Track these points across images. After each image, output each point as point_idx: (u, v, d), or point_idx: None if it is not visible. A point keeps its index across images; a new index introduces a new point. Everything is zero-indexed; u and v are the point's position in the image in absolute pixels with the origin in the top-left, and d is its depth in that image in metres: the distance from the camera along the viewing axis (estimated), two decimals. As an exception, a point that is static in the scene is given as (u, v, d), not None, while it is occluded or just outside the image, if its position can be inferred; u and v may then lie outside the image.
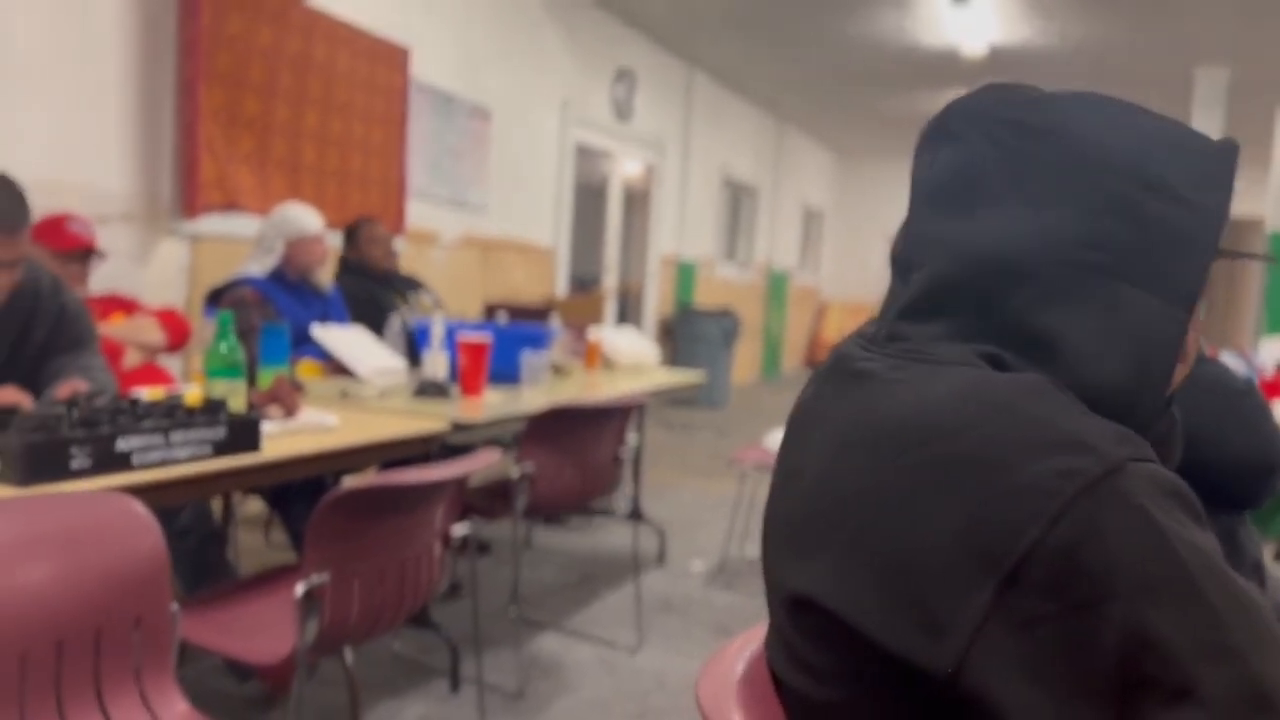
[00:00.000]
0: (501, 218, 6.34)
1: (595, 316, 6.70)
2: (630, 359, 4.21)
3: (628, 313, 8.59)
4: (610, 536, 4.50)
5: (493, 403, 2.94)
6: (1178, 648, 0.63)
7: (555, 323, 4.15)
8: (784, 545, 0.84)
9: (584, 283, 7.82)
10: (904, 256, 0.85)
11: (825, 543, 0.78)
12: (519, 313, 5.56)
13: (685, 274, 9.32)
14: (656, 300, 8.84)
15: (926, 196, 0.84)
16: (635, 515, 4.22)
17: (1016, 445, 0.69)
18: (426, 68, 5.48)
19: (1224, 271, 12.44)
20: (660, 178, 8.65)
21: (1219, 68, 7.76)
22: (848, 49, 7.86)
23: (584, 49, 7.18)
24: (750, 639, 1.05)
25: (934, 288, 0.80)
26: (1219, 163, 0.80)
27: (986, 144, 0.81)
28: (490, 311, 5.27)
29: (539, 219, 6.86)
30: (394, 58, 5.15)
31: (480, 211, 6.11)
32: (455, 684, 2.85)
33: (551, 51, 6.81)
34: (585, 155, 7.52)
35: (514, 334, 3.32)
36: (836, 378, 0.85)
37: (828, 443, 0.81)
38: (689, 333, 8.80)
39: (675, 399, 8.75)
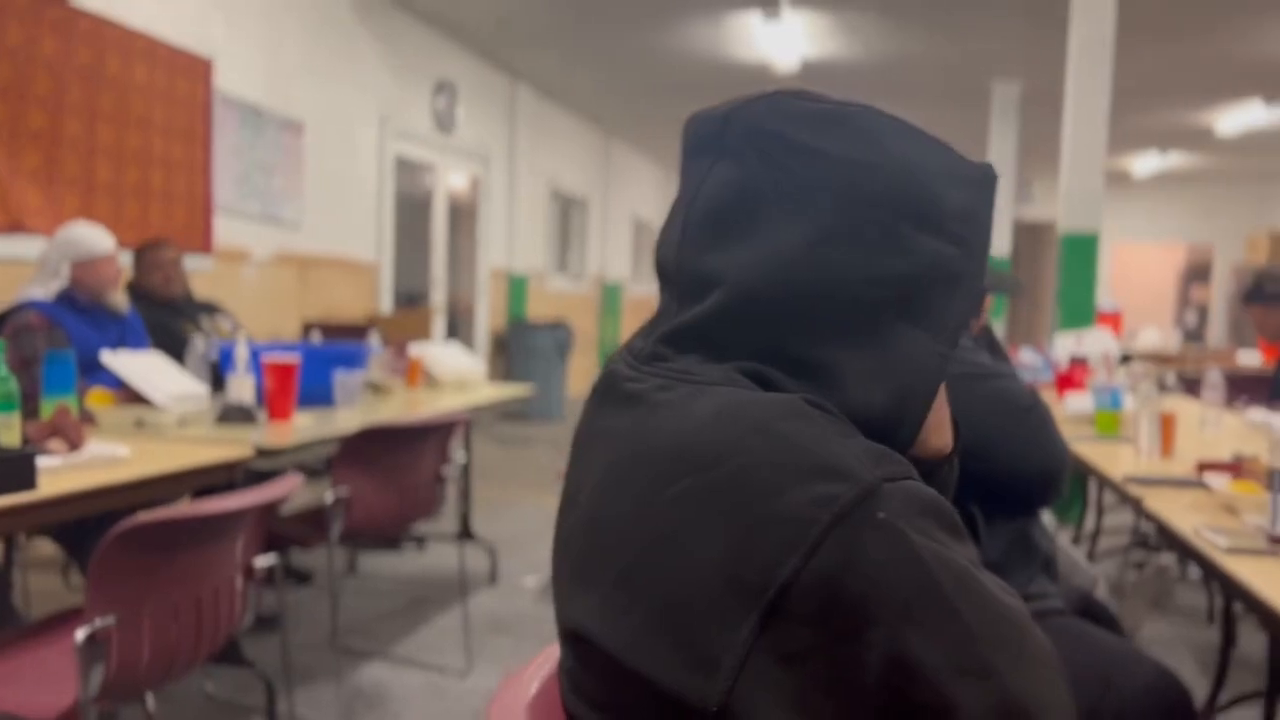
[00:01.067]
0: (319, 234, 6.15)
1: (423, 332, 6.57)
2: (455, 375, 4.14)
3: (459, 328, 8.47)
4: (441, 558, 4.41)
5: (303, 426, 2.83)
6: (936, 669, 0.63)
7: (374, 340, 4.04)
8: (563, 574, 0.82)
9: (412, 299, 7.67)
10: (676, 277, 0.81)
11: (596, 577, 0.76)
12: (338, 331, 5.40)
13: (517, 287, 9.26)
14: (488, 314, 8.75)
15: (703, 216, 0.80)
16: (464, 535, 4.14)
17: (772, 473, 0.68)
18: (232, 80, 5.27)
19: (1030, 274, 13.22)
20: (487, 190, 8.57)
21: (1013, 81, 8.24)
22: (665, 63, 7.98)
23: (401, 61, 7.05)
24: (549, 657, 1.03)
25: (705, 317, 0.78)
26: (982, 195, 0.81)
27: (764, 166, 0.77)
28: (308, 331, 5.10)
29: (360, 234, 6.68)
30: (195, 69, 4.93)
31: (295, 228, 5.90)
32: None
33: (367, 63, 6.66)
34: (407, 168, 7.38)
35: (325, 354, 3.21)
36: (608, 397, 0.83)
37: (598, 469, 0.80)
38: (522, 346, 8.74)
39: (509, 413, 8.67)
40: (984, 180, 0.81)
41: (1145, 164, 12.37)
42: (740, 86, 8.87)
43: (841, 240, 0.75)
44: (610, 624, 0.73)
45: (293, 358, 2.85)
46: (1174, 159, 12.01)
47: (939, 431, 0.88)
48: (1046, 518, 3.54)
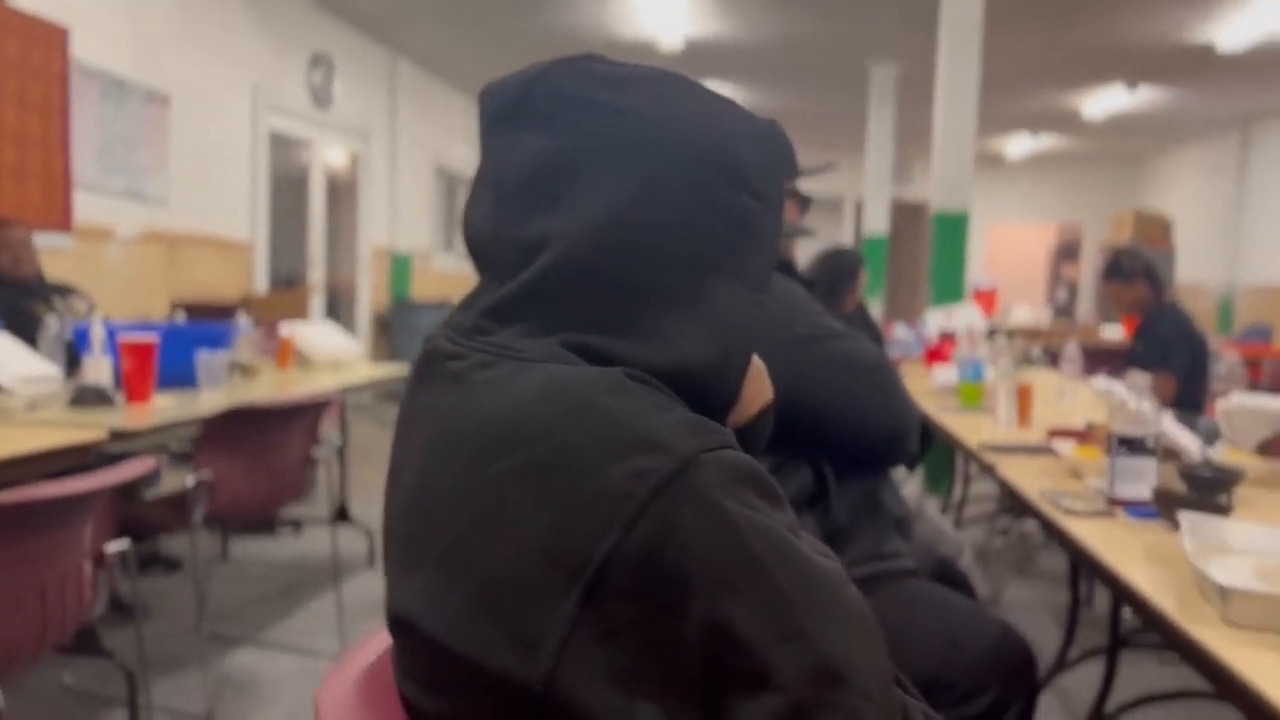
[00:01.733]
0: (188, 211, 5.93)
1: (300, 313, 6.41)
2: (329, 355, 4.05)
3: (340, 308, 8.29)
4: (318, 542, 4.32)
5: (163, 408, 2.73)
6: (753, 636, 0.65)
7: (242, 320, 3.92)
8: (389, 555, 0.81)
9: (291, 279, 7.47)
10: (494, 247, 0.80)
11: (419, 560, 0.75)
12: (209, 312, 5.23)
13: (401, 266, 9.10)
14: (370, 294, 8.58)
15: (516, 185, 0.79)
16: (340, 518, 4.07)
17: (593, 449, 0.68)
18: (91, 50, 5.03)
19: (909, 254, 13.56)
20: (367, 167, 8.39)
21: (890, 64, 8.42)
22: (549, 40, 7.91)
23: (275, 33, 6.83)
24: (384, 640, 1.01)
25: (525, 287, 0.77)
26: (776, 150, 0.83)
27: (576, 131, 0.77)
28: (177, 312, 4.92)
29: (232, 212, 6.47)
30: (50, 38, 4.69)
31: (162, 204, 5.68)
32: (133, 713, 2.63)
33: (239, 34, 6.43)
34: (282, 144, 7.17)
35: (187, 334, 3.11)
36: (429, 375, 0.81)
37: (419, 449, 0.79)
38: (406, 326, 8.60)
39: (392, 394, 8.53)
40: (775, 136, 0.83)
41: (1018, 146, 12.80)
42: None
43: (658, 200, 0.76)
44: (434, 607, 0.73)
45: (151, 338, 2.74)
46: (1044, 141, 12.45)
47: (756, 381, 0.90)
48: (916, 486, 3.65)
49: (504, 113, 0.81)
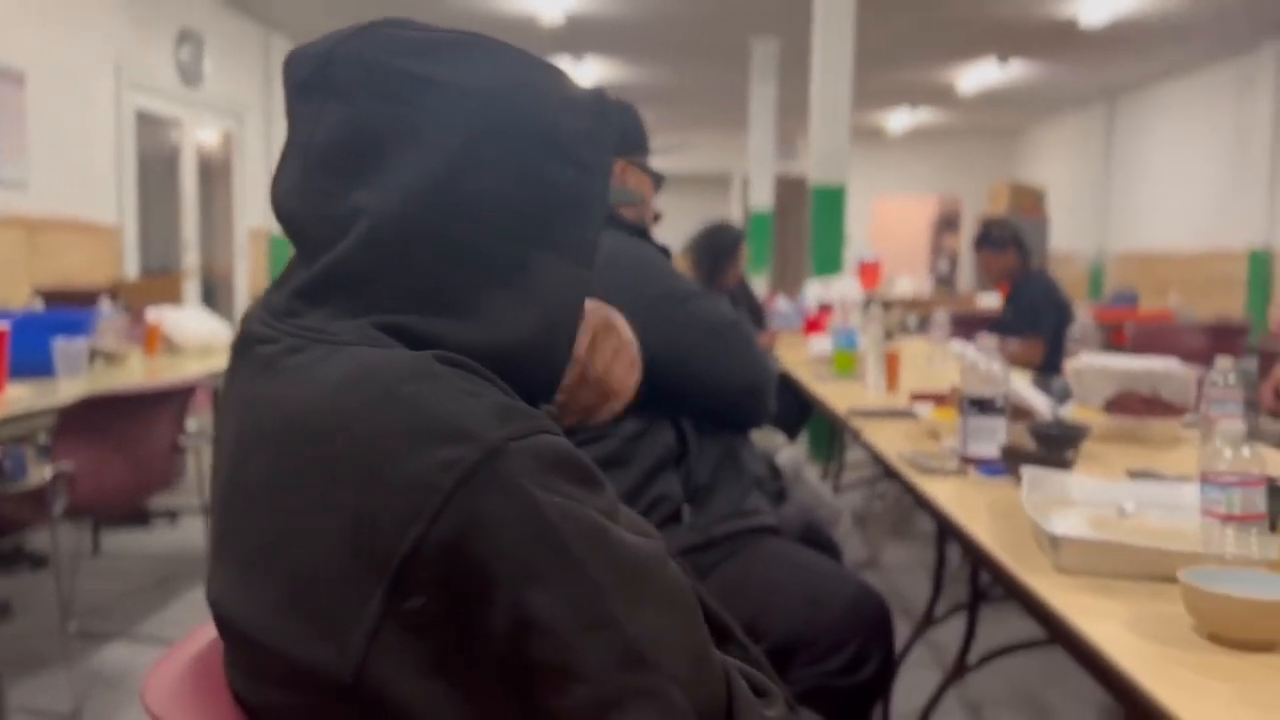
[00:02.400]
0: (50, 194, 5.67)
1: (173, 298, 6.19)
2: (199, 340, 3.93)
3: (216, 293, 8.04)
4: (193, 533, 4.20)
5: (16, 398, 2.62)
6: (559, 626, 0.65)
7: (105, 306, 3.77)
8: (210, 544, 0.80)
9: (165, 264, 7.21)
10: (302, 225, 0.78)
11: (230, 553, 0.74)
12: (72, 298, 5.02)
13: (280, 249, 8.86)
14: (248, 278, 8.35)
15: (323, 158, 0.76)
16: (218, 506, 3.96)
17: (396, 440, 0.67)
18: (-67, 23, 4.76)
19: (794, 227, 13.78)
20: (241, 147, 8.14)
21: (771, 38, 8.50)
22: (428, 14, 7.78)
23: (138, 7, 6.56)
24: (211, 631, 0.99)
25: (335, 266, 0.74)
26: (600, 118, 0.81)
27: (381, 101, 0.74)
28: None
29: (98, 195, 6.21)
30: (-115, 10, 4.42)
31: (19, 188, 5.42)
32: (1, 714, 2.53)
33: (99, 9, 6.16)
34: (149, 123, 6.91)
35: (43, 321, 2.98)
36: (242, 359, 0.79)
37: (232, 437, 0.77)
38: (288, 310, 8.37)
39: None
40: (597, 103, 0.81)
41: (898, 120, 13.09)
42: (508, 41, 8.76)
43: (472, 172, 0.74)
44: (245, 600, 0.72)
45: (0, 326, 2.62)
46: (923, 115, 12.76)
47: (626, 362, 0.91)
48: (797, 453, 3.73)
49: (308, 83, 0.77)
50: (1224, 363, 1.86)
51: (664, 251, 1.83)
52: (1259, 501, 1.16)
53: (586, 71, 9.56)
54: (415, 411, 0.68)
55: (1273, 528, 1.12)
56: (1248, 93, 8.55)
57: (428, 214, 0.73)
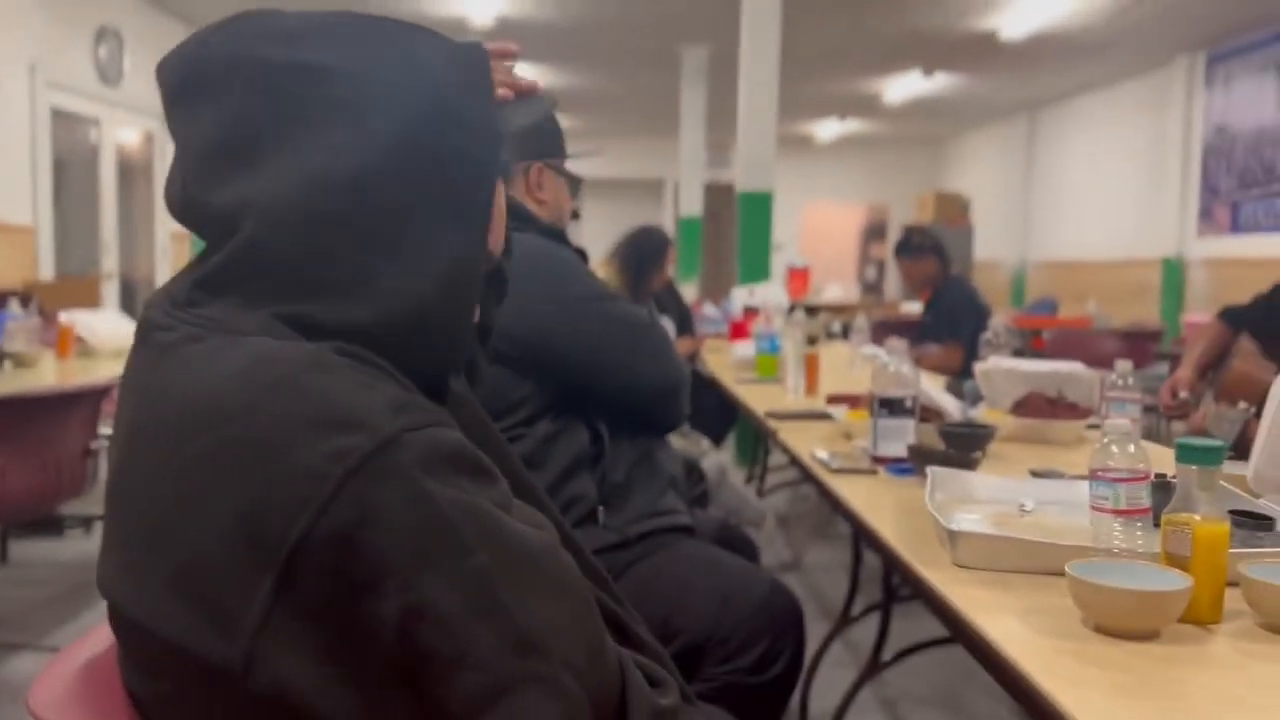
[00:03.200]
0: (-41, 194, 5.51)
1: (91, 301, 6.05)
2: (114, 343, 3.84)
3: (137, 297, 7.85)
4: (110, 539, 4.10)
5: (-84, 402, 2.54)
6: (450, 614, 0.65)
7: (14, 308, 3.67)
8: (104, 530, 0.79)
9: (83, 265, 7.03)
10: (195, 219, 0.78)
11: (120, 541, 0.74)
12: (-18, 300, 4.87)
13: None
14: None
15: (202, 157, 0.76)
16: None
17: (290, 428, 0.67)
18: None
19: (727, 234, 13.89)
20: (163, 148, 7.97)
21: (701, 45, 8.57)
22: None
23: (56, 4, 6.40)
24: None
25: (232, 258, 0.75)
26: (479, 70, 0.82)
27: (256, 93, 0.75)
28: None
29: (12, 195, 6.04)
30: None
31: (-73, 186, 5.25)
32: (-108, 731, 2.45)
33: (13, 6, 5.99)
34: (66, 122, 6.73)
35: (-54, 322, 2.89)
36: (140, 346, 0.79)
37: (127, 423, 0.77)
38: (211, 314, 8.21)
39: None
40: (475, 55, 0.82)
41: (827, 129, 13.26)
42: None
43: (357, 150, 0.74)
44: (134, 588, 0.72)
45: (-100, 327, 2.54)
46: (852, 125, 12.94)
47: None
48: (722, 457, 3.76)
49: (182, 86, 0.78)
50: (1123, 365, 1.92)
51: (581, 254, 1.84)
52: (1144, 497, 1.20)
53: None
54: (309, 402, 0.68)
55: (1156, 522, 1.16)
56: (1162, 107, 8.83)
57: (315, 197, 0.74)
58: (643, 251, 4.33)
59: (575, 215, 1.93)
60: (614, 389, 1.71)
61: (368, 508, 0.65)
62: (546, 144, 1.83)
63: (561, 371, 1.68)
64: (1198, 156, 8.41)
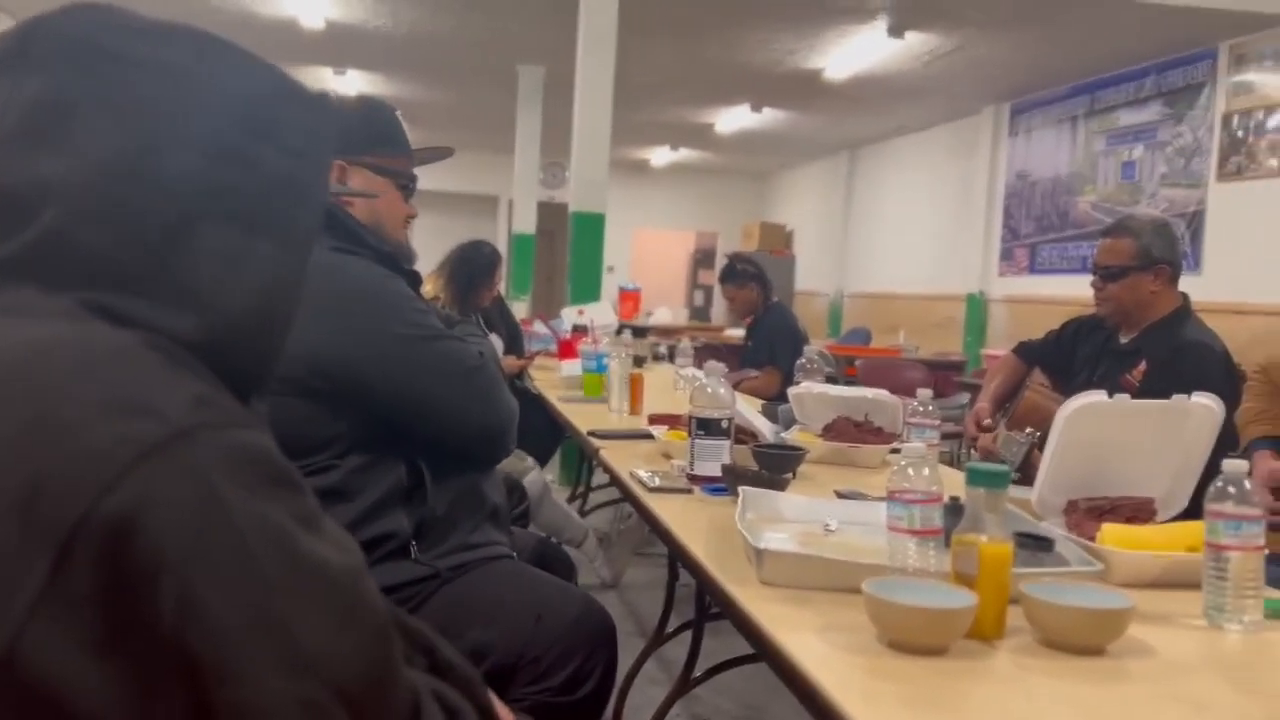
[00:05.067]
0: None
1: None
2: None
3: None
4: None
5: None
6: (222, 621, 0.63)
7: None
8: None
9: None
10: None
11: None
12: None
13: None
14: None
15: (10, 133, 0.73)
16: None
17: (83, 409, 0.64)
18: None
19: (561, 254, 13.91)
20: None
21: (537, 65, 8.59)
22: (183, 13, 7.35)
23: None
24: None
25: (34, 241, 0.71)
26: (323, 114, 0.83)
27: (82, 76, 0.73)
28: None
29: None
30: None
31: None
32: None
33: None
34: None
35: None
36: None
37: None
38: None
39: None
40: (319, 99, 0.84)
41: (660, 156, 13.51)
42: (266, 45, 8.43)
43: (169, 149, 0.74)
44: None
45: None
46: (684, 153, 13.22)
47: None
48: (544, 475, 3.76)
49: (2, 58, 0.75)
50: (924, 394, 2.03)
51: (414, 277, 1.79)
52: (937, 518, 1.27)
53: (349, 83, 9.32)
54: (106, 385, 0.66)
55: (948, 542, 1.22)
56: (969, 152, 9.38)
57: (119, 187, 0.72)
58: (472, 266, 4.30)
59: (410, 218, 1.87)
60: (438, 431, 1.66)
61: (152, 497, 0.62)
62: (350, 138, 1.76)
63: (380, 412, 1.63)
64: (1001, 201, 8.98)
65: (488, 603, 1.64)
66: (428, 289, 3.98)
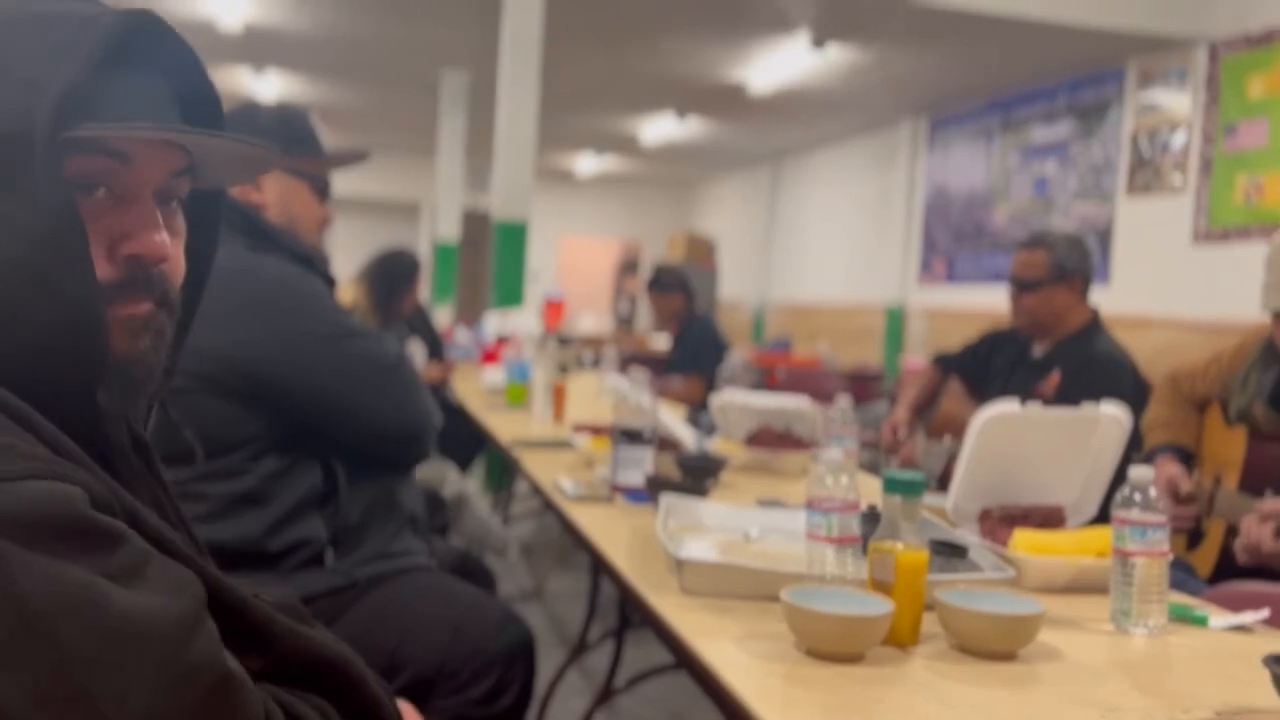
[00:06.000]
0: None
1: None
2: None
3: None
4: None
5: None
6: (12, 705, 0.57)
7: None
8: None
9: None
10: None
11: None
12: None
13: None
14: None
15: None
16: None
17: None
18: None
19: (481, 257, 13.82)
20: None
21: (461, 71, 8.52)
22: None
23: None
24: None
25: None
26: (80, 31, 0.71)
27: None
28: None
29: None
30: None
31: None
32: None
33: None
34: None
35: None
36: None
37: None
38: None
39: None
40: (75, 12, 0.73)
41: (585, 164, 13.49)
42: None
43: None
44: None
45: None
46: (610, 162, 13.23)
47: None
48: (466, 484, 3.72)
49: None
50: (842, 402, 2.05)
51: (329, 280, 1.76)
52: (855, 525, 1.28)
53: (269, 85, 9.14)
54: None
55: (865, 550, 1.23)
56: (890, 165, 9.55)
57: None
58: (392, 273, 4.25)
59: (325, 221, 1.84)
60: (355, 433, 1.64)
61: None
62: (271, 142, 1.73)
63: (296, 412, 1.60)
64: (920, 213, 9.15)
65: (406, 615, 1.61)
66: (346, 297, 3.93)
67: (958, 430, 2.48)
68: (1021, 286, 2.72)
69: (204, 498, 1.52)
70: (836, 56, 7.15)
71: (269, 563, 1.56)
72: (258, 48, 7.98)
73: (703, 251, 13.05)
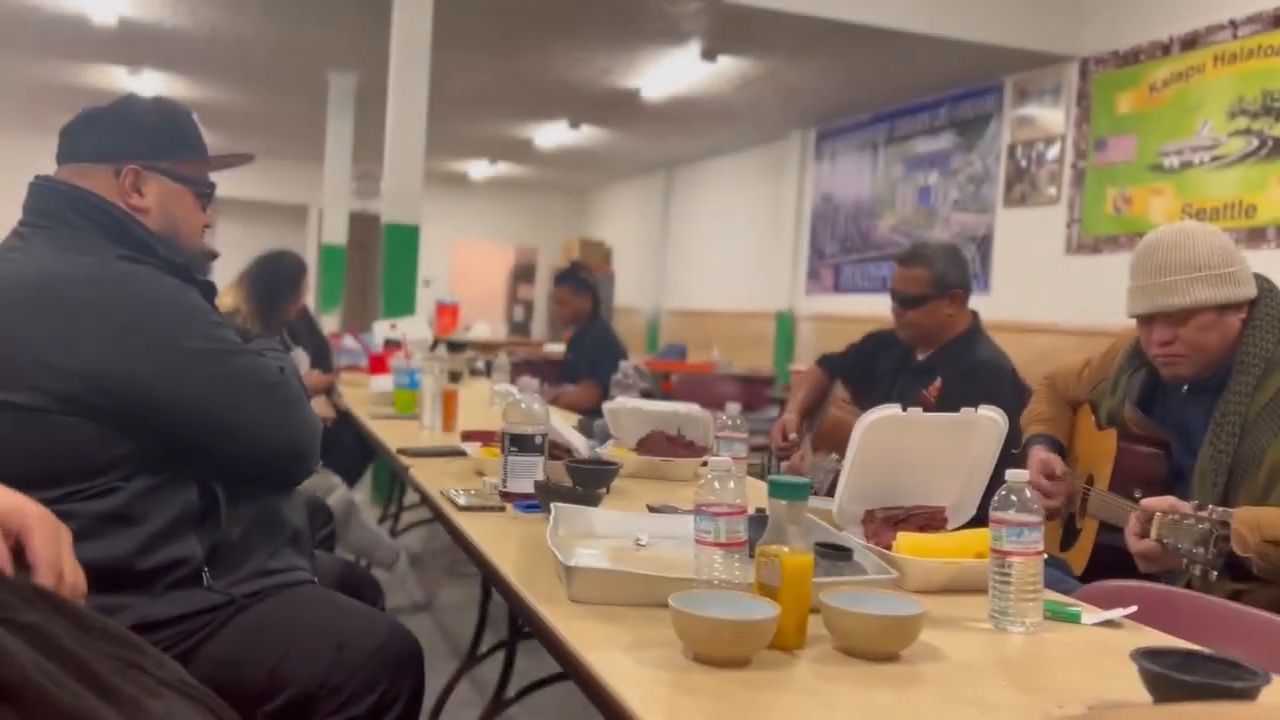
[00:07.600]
0: None
1: None
2: None
3: None
4: None
5: None
6: None
7: None
8: None
9: None
10: None
11: None
12: None
13: None
14: None
15: None
16: None
17: None
18: None
19: (371, 262, 13.56)
20: None
21: (349, 74, 8.35)
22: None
23: None
24: None
25: None
26: None
27: None
28: None
29: None
30: None
31: None
32: None
33: None
34: None
35: None
36: None
37: None
38: None
39: None
40: None
41: (479, 169, 13.37)
42: (55, 40, 7.89)
43: None
44: None
45: None
46: (503, 167, 13.13)
47: None
48: (348, 494, 3.63)
49: None
50: (732, 408, 2.07)
51: (208, 288, 1.69)
52: (742, 530, 1.28)
53: (144, 84, 8.81)
54: None
55: (751, 554, 1.24)
56: (779, 175, 9.70)
57: None
58: (274, 278, 4.10)
59: (207, 227, 1.77)
60: (235, 452, 1.57)
61: None
62: (146, 143, 1.66)
63: (173, 431, 1.53)
64: (808, 222, 9.31)
65: (286, 630, 1.56)
66: (227, 301, 3.79)
67: (845, 438, 2.52)
68: (904, 303, 2.78)
69: (72, 516, 1.44)
70: (728, 66, 7.24)
71: (141, 582, 1.49)
72: (133, 45, 7.69)
73: (598, 257, 13.05)
